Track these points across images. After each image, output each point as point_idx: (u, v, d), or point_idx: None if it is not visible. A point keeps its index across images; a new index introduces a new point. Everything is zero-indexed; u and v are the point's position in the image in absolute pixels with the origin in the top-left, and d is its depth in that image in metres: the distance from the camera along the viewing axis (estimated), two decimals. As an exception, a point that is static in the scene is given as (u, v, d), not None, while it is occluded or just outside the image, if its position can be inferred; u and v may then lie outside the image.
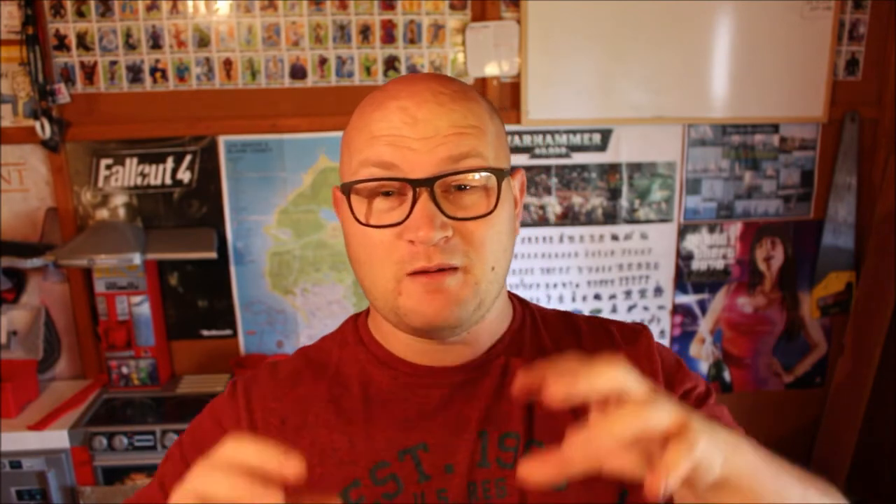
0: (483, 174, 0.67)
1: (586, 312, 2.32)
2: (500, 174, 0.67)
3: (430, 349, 0.73)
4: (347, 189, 0.68)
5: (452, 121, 0.66)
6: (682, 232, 2.30)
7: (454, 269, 0.66)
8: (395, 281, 0.66)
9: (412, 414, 0.72)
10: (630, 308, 2.33)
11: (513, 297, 0.82)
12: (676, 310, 2.36)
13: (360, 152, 0.67)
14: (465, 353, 0.74)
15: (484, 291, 0.68)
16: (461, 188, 0.67)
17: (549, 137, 2.19)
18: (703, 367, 2.41)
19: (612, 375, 0.49)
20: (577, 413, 0.73)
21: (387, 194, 0.67)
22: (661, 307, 2.35)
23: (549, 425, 0.73)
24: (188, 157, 2.12)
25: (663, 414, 0.48)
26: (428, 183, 0.64)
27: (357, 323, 0.80)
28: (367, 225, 0.67)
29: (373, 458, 0.70)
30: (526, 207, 2.23)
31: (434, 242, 0.64)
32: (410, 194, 0.65)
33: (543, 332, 0.79)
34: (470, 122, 0.67)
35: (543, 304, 2.46)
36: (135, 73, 2.07)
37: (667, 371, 0.78)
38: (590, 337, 0.80)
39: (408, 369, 0.74)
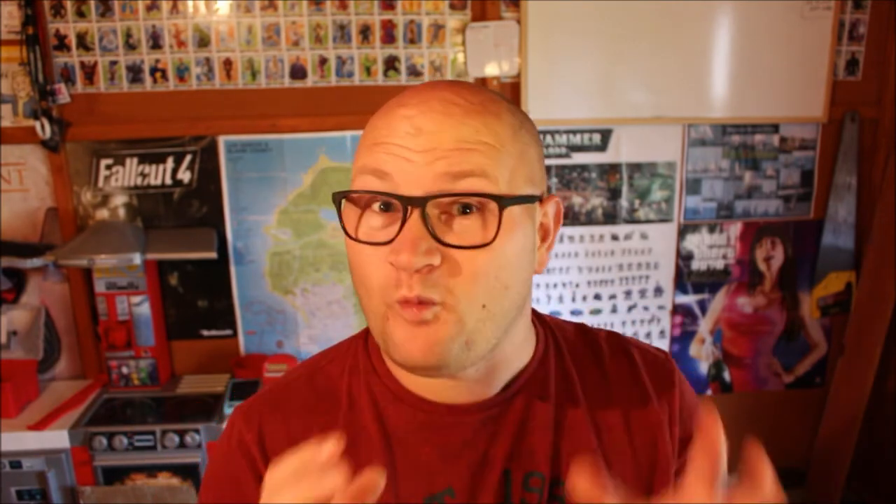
0: (480, 198, 0.59)
1: (586, 312, 2.32)
2: (503, 201, 0.59)
3: (445, 385, 0.69)
4: (339, 198, 0.63)
5: (459, 135, 0.59)
6: (682, 232, 2.30)
7: (434, 303, 0.60)
8: (385, 306, 0.62)
9: (434, 457, 0.69)
10: (630, 308, 2.33)
11: (535, 321, 0.76)
12: (676, 310, 2.36)
13: (360, 158, 0.63)
14: (484, 389, 0.70)
15: (472, 330, 0.61)
16: (466, 210, 0.60)
17: (549, 137, 2.19)
18: (703, 367, 2.41)
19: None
20: (605, 451, 0.72)
21: (384, 209, 0.62)
22: (661, 307, 2.35)
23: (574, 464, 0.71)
24: (188, 157, 2.12)
25: None
26: (419, 202, 0.58)
27: (368, 347, 0.75)
28: (356, 240, 0.62)
29: None
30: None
31: (415, 269, 0.58)
32: (401, 212, 0.60)
33: (567, 358, 0.76)
34: (481, 139, 0.60)
35: (543, 304, 2.44)
36: (135, 73, 2.07)
37: (686, 413, 0.77)
38: (612, 361, 0.77)
39: (426, 407, 0.70)
